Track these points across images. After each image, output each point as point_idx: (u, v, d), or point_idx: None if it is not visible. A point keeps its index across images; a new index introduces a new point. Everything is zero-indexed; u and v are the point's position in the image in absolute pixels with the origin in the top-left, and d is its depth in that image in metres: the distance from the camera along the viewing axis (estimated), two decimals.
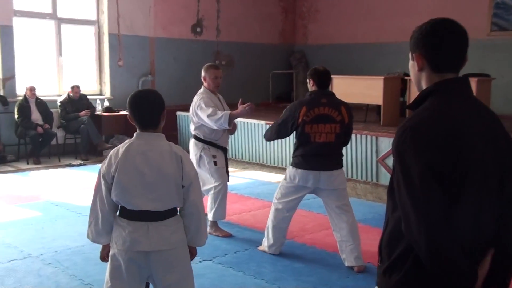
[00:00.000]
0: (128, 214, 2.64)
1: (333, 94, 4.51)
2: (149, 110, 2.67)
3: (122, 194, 2.61)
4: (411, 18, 11.33)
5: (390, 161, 7.33)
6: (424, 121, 1.71)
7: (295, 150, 4.47)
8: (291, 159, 4.55)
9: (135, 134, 2.69)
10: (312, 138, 4.33)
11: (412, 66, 1.89)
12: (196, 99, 5.10)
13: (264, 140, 8.87)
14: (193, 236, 2.75)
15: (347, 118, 4.41)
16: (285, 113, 4.44)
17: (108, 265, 2.70)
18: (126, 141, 2.71)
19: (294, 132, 4.44)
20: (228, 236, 5.20)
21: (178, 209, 2.73)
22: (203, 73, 5.18)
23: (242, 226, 5.56)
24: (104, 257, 2.76)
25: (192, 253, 2.81)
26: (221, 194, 5.21)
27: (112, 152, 2.70)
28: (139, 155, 2.61)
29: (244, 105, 4.95)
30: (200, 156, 5.18)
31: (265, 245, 4.72)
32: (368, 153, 7.59)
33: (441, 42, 1.80)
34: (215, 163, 5.17)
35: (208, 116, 4.92)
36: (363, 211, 6.20)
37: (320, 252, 4.85)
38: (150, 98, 2.70)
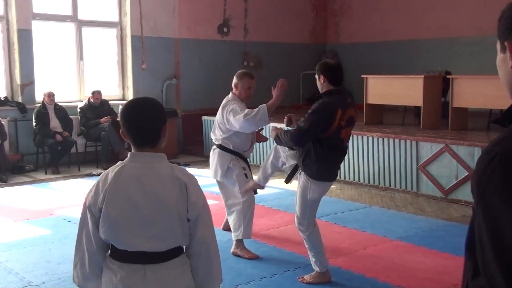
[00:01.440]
0: (120, 255, 2.11)
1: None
2: (146, 123, 2.13)
3: (112, 231, 2.08)
4: (451, 12, 10.72)
5: (432, 169, 6.71)
6: None
7: (316, 159, 3.78)
8: (307, 167, 3.86)
9: (128, 154, 2.16)
10: (343, 144, 3.92)
11: (502, 61, 1.24)
12: (226, 105, 4.62)
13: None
14: (203, 282, 2.19)
15: (356, 118, 4.04)
16: (314, 116, 3.72)
17: None
18: (118, 163, 2.17)
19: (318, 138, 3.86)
20: (255, 258, 4.65)
21: (184, 246, 2.19)
22: (235, 80, 4.73)
23: (270, 246, 4.99)
24: None
25: None
26: (251, 210, 4.77)
27: (100, 177, 2.17)
28: (133, 182, 2.08)
29: (277, 87, 4.38)
30: (228, 167, 4.73)
31: (317, 267, 4.12)
32: (407, 159, 6.97)
33: None
34: (246, 176, 4.74)
35: (245, 116, 4.38)
36: (404, 226, 5.58)
37: (357, 278, 4.25)
38: (147, 108, 2.15)
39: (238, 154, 4.78)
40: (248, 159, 4.93)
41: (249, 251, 4.73)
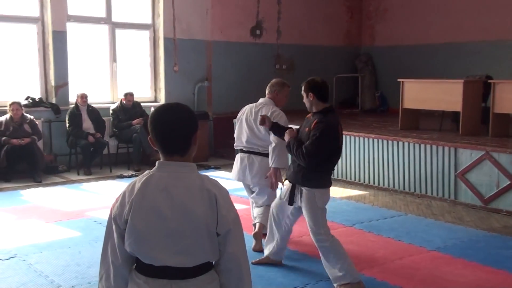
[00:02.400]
0: (146, 269, 1.99)
1: None
2: (176, 130, 2.00)
3: (137, 244, 1.98)
4: (492, 14, 10.35)
5: (471, 176, 6.46)
6: None
7: (321, 170, 4.03)
8: (314, 179, 4.01)
9: (157, 163, 2.04)
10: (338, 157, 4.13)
11: None
12: (274, 112, 4.79)
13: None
14: None
15: None
16: (324, 138, 3.88)
17: None
18: (145, 173, 2.06)
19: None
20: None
21: (214, 262, 2.07)
22: (277, 88, 5.00)
23: (301, 253, 4.86)
24: None
25: None
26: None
27: (127, 187, 2.06)
28: (160, 193, 1.97)
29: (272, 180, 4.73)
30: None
31: (349, 277, 3.95)
32: (445, 166, 6.74)
33: None
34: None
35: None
36: (441, 236, 5.36)
37: None
38: (177, 114, 2.03)
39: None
40: None
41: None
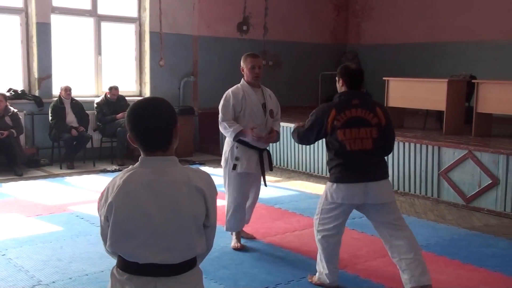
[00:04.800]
0: (130, 267, 1.96)
1: (367, 93, 3.90)
2: (157, 126, 1.95)
3: (121, 244, 1.93)
4: (476, 15, 10.44)
5: (454, 175, 6.51)
6: None
7: (330, 161, 3.78)
8: (329, 172, 3.84)
9: (139, 159, 2.00)
10: (347, 146, 3.67)
11: None
12: (223, 98, 4.66)
13: (311, 148, 8.28)
14: None
15: (384, 120, 3.75)
16: (311, 117, 3.81)
17: None
18: (127, 169, 2.01)
19: (325, 140, 3.81)
20: (252, 238, 4.96)
21: None
22: (241, 63, 4.68)
23: (285, 250, 4.85)
24: None
25: None
26: (233, 207, 4.72)
27: (110, 183, 2.01)
28: (144, 189, 1.92)
29: (253, 133, 4.48)
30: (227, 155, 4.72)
31: (323, 279, 3.96)
32: (428, 165, 6.79)
33: None
34: (233, 167, 4.60)
35: (221, 122, 4.61)
36: (424, 234, 5.38)
37: (376, 287, 4.10)
38: (157, 108, 1.98)
39: (240, 141, 4.61)
40: (262, 147, 4.67)
41: (244, 232, 4.96)
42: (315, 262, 4.49)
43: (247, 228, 5.09)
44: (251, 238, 5.05)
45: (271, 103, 4.69)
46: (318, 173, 8.17)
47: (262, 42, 11.37)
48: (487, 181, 6.21)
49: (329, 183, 3.79)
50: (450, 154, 6.58)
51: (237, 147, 4.61)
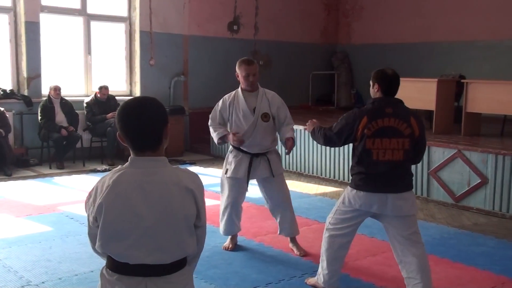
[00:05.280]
0: (120, 267, 1.95)
1: (401, 101, 3.67)
2: (147, 126, 1.94)
3: (111, 245, 1.92)
4: (466, 15, 10.50)
5: (443, 174, 6.55)
6: None
7: (354, 167, 3.70)
8: (350, 177, 3.77)
9: (129, 159, 1.98)
10: (374, 156, 3.55)
11: None
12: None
13: (302, 147, 8.29)
14: None
15: (418, 131, 3.59)
16: (342, 121, 3.70)
17: None
18: (116, 168, 1.99)
19: (352, 145, 3.70)
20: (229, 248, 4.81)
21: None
22: (236, 69, 4.60)
23: (276, 250, 4.85)
24: None
25: None
26: (222, 210, 4.77)
27: (98, 182, 1.99)
28: (134, 190, 1.91)
29: (234, 137, 4.48)
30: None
31: (320, 279, 3.93)
32: (418, 164, 6.77)
33: None
34: (226, 171, 4.66)
35: (210, 125, 4.71)
36: None
37: (367, 286, 4.11)
38: (147, 109, 1.96)
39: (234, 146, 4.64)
40: (254, 152, 4.57)
41: (229, 243, 4.85)
42: (305, 262, 4.53)
43: (301, 243, 4.87)
44: (301, 254, 4.71)
45: (266, 107, 4.57)
46: (308, 172, 8.19)
47: (252, 41, 11.37)
48: (476, 180, 6.25)
49: (349, 188, 3.73)
50: (440, 154, 6.61)
51: (231, 152, 4.66)
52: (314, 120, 4.11)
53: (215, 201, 6.32)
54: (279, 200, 4.74)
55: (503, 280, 4.23)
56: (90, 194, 2.00)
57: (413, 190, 6.75)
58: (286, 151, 4.60)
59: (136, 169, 1.95)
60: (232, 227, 4.80)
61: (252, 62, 4.58)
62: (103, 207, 1.91)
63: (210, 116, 4.67)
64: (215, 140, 4.63)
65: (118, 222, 1.91)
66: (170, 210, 1.92)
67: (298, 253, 4.71)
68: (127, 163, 1.97)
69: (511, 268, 4.47)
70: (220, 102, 4.65)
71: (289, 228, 4.77)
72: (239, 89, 4.62)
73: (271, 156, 4.66)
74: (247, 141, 4.53)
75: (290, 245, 4.82)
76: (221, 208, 4.77)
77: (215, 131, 4.61)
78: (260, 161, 4.59)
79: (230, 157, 4.65)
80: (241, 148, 4.57)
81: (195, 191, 1.96)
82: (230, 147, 4.68)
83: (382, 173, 3.56)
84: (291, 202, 4.84)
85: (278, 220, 4.78)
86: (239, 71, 4.55)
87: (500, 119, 7.82)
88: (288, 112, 4.69)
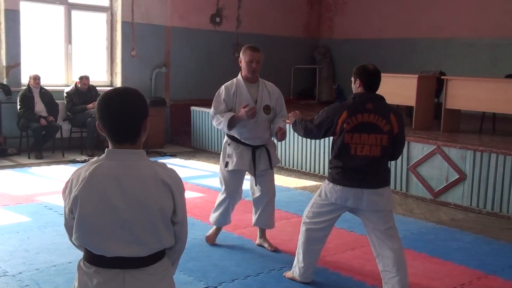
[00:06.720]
0: (97, 260, 1.93)
1: (382, 98, 3.69)
2: (126, 118, 1.92)
3: (87, 237, 1.91)
4: (446, 13, 10.62)
5: (422, 170, 6.62)
6: None
7: (332, 160, 3.73)
8: (328, 171, 3.81)
9: (106, 151, 1.95)
10: (352, 150, 3.59)
11: None
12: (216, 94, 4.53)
13: (282, 141, 8.29)
14: None
15: (397, 128, 3.62)
16: (322, 114, 3.73)
17: None
18: (93, 160, 1.97)
19: (332, 139, 3.73)
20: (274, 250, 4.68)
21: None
22: (240, 54, 4.51)
23: (255, 243, 4.86)
24: None
25: None
26: (218, 201, 4.71)
27: (73, 174, 1.97)
28: (111, 182, 1.89)
29: (246, 109, 4.30)
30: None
31: (296, 272, 3.98)
32: (398, 159, 6.84)
33: None
34: (226, 165, 4.53)
35: (213, 115, 4.46)
36: None
37: (345, 280, 4.14)
38: (127, 100, 1.94)
39: (233, 138, 4.52)
40: (256, 144, 4.50)
41: (211, 233, 4.81)
42: (284, 255, 4.55)
43: (271, 240, 4.84)
44: (274, 249, 4.70)
45: (267, 98, 4.52)
46: (289, 166, 8.21)
47: (235, 34, 11.34)
48: (455, 176, 6.33)
49: (326, 181, 3.76)
50: (419, 149, 6.68)
51: (229, 144, 4.55)
52: (296, 111, 4.12)
53: (195, 194, 6.33)
54: (268, 192, 4.70)
55: (479, 275, 4.30)
56: (66, 185, 1.98)
57: (392, 185, 6.91)
58: (278, 138, 4.52)
59: (113, 162, 1.92)
60: (226, 219, 4.77)
61: (258, 50, 4.49)
62: (78, 200, 1.89)
63: (213, 106, 4.45)
64: (225, 124, 4.33)
65: (94, 215, 1.89)
66: (146, 203, 1.90)
67: (270, 248, 4.69)
68: (103, 155, 1.95)
69: (487, 263, 4.56)
70: (223, 91, 4.46)
71: (268, 220, 4.76)
72: (240, 77, 4.49)
73: (271, 149, 4.63)
74: (249, 132, 4.44)
75: (260, 240, 4.79)
76: (219, 199, 4.69)
77: (222, 116, 4.35)
78: (261, 153, 4.55)
79: (229, 150, 4.52)
80: (242, 140, 4.48)
81: (172, 186, 1.95)
82: (226, 139, 4.57)
83: (359, 168, 3.59)
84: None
85: (258, 212, 4.74)
86: (242, 57, 4.45)
87: (479, 116, 7.93)
88: (284, 104, 4.67)
